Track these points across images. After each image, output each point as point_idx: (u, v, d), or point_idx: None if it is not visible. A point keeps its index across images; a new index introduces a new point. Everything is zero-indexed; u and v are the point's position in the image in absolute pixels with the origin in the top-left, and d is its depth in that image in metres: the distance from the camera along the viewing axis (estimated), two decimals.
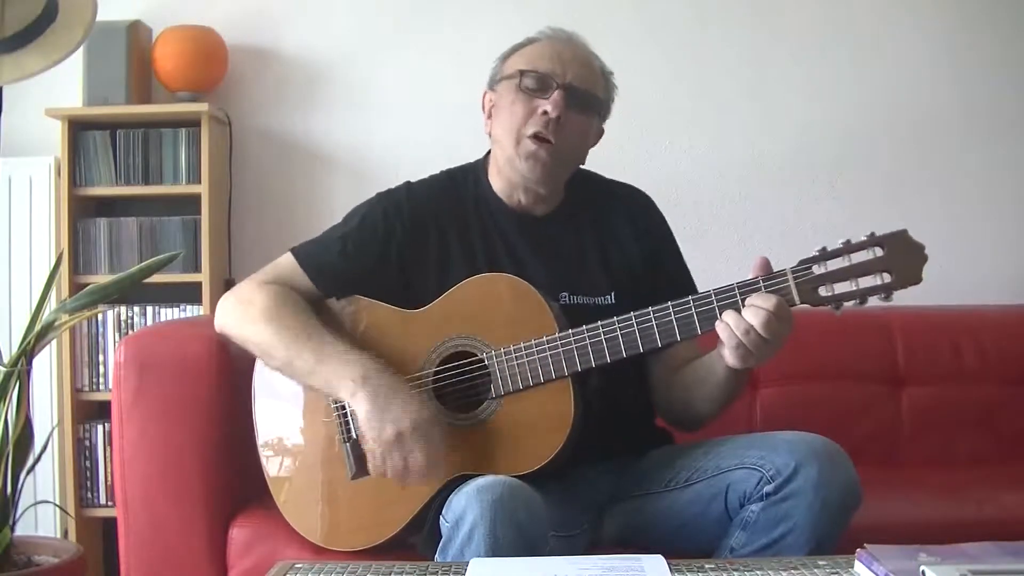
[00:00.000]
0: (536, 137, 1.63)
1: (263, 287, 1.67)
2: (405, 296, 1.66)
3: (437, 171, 1.80)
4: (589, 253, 1.72)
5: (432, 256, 1.69)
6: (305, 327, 1.61)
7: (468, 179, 1.77)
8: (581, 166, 1.76)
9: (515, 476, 1.45)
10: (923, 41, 2.76)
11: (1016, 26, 2.75)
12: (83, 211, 2.67)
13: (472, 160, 1.80)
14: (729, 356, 1.47)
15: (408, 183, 1.77)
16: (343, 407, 1.62)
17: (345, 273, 1.69)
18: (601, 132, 1.76)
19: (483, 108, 1.75)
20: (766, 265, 1.48)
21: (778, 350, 1.47)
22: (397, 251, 1.69)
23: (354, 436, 1.61)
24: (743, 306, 1.46)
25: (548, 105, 1.63)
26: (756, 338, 1.43)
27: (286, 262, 1.72)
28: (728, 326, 1.45)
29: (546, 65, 1.66)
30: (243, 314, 1.66)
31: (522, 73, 1.66)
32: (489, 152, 1.77)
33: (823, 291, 1.46)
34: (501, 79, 1.71)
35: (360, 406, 1.52)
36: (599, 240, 1.73)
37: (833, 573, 1.22)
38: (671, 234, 1.81)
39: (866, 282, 1.44)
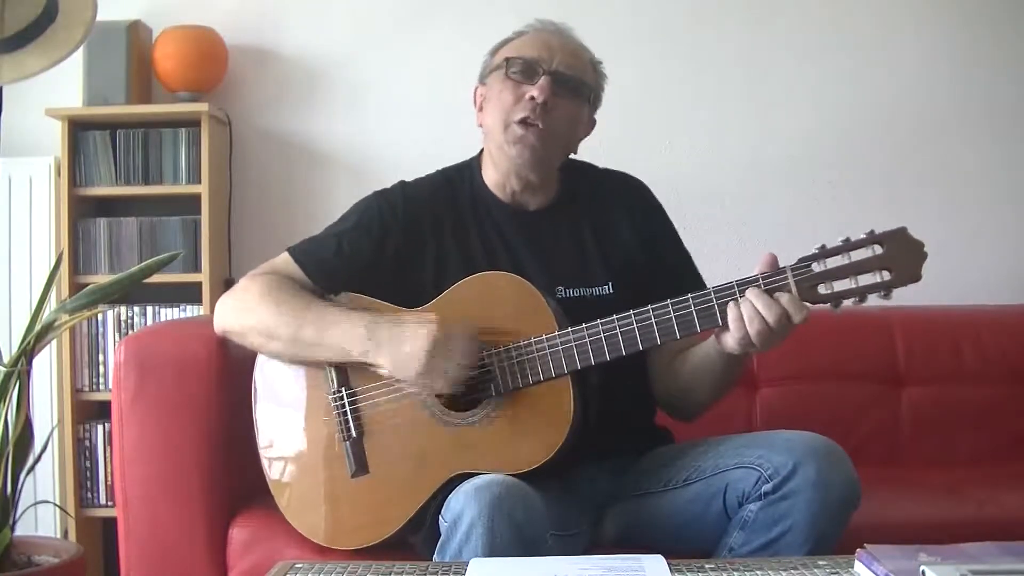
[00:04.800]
0: (524, 122, 1.64)
1: (257, 277, 1.68)
2: (402, 294, 1.66)
3: (434, 171, 1.81)
4: (586, 244, 1.72)
5: (428, 254, 1.69)
6: (303, 301, 1.62)
7: (463, 176, 1.77)
8: (573, 156, 1.77)
9: (515, 475, 1.45)
10: (922, 42, 2.76)
11: (1016, 26, 2.76)
12: (83, 211, 2.67)
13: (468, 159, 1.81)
14: (732, 343, 1.47)
15: (403, 182, 1.77)
16: (343, 405, 1.62)
17: (340, 270, 1.69)
18: (593, 123, 1.77)
19: (474, 102, 1.76)
20: (772, 261, 1.47)
21: (782, 341, 1.47)
22: (393, 250, 1.70)
23: (354, 434, 1.61)
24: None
25: (535, 90, 1.63)
26: (764, 330, 1.43)
27: (282, 261, 1.72)
28: (740, 316, 1.44)
29: (533, 52, 1.67)
30: (241, 305, 1.66)
31: (508, 61, 1.67)
32: (483, 149, 1.77)
33: (822, 289, 1.45)
34: (490, 71, 1.72)
35: (379, 360, 1.54)
36: (595, 230, 1.73)
37: (833, 573, 1.22)
38: (668, 219, 1.81)
39: (865, 280, 1.44)
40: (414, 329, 1.53)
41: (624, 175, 1.82)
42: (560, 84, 1.65)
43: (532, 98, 1.63)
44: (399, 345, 1.53)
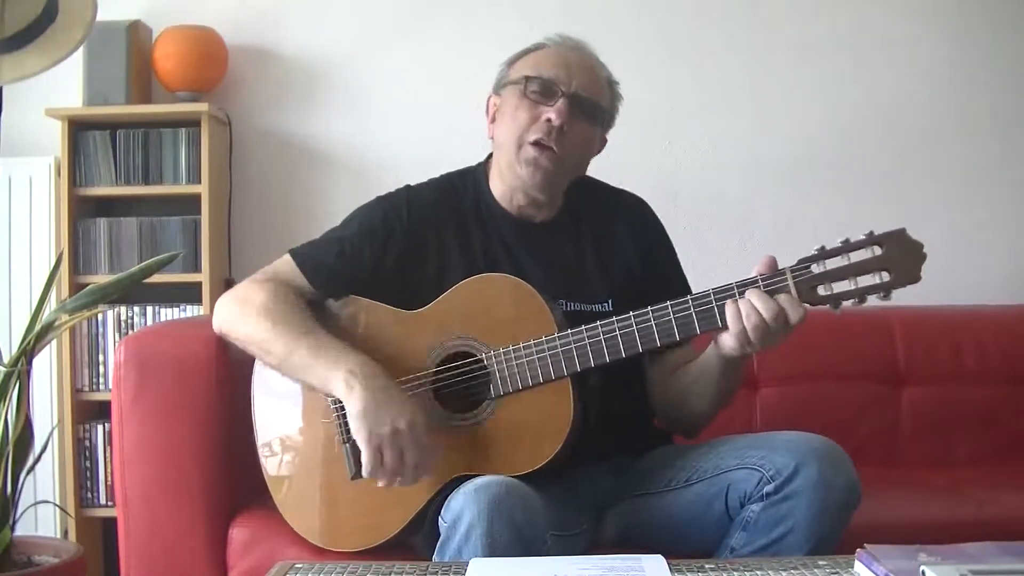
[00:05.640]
0: (538, 144, 1.63)
1: (261, 285, 1.67)
2: (404, 298, 1.65)
3: (437, 171, 1.80)
4: (587, 260, 1.72)
5: (431, 260, 1.69)
6: (302, 323, 1.60)
7: (468, 183, 1.77)
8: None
9: (515, 476, 1.45)
10: (923, 41, 2.76)
11: (1016, 26, 2.76)
12: (83, 211, 2.67)
13: (472, 162, 1.80)
14: (729, 341, 1.47)
15: (408, 186, 1.77)
16: (343, 407, 1.62)
17: (342, 274, 1.69)
18: (604, 141, 1.77)
19: (487, 112, 1.75)
20: (772, 263, 1.48)
21: (780, 343, 1.47)
22: (395, 255, 1.69)
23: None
24: None
25: (552, 113, 1.62)
26: (760, 324, 1.44)
27: (284, 263, 1.71)
28: (738, 311, 1.45)
29: (552, 72, 1.66)
30: (241, 312, 1.66)
31: (527, 79, 1.66)
32: (490, 156, 1.77)
33: (822, 290, 1.46)
34: (506, 84, 1.71)
35: (354, 404, 1.50)
36: (597, 247, 1.73)
37: (833, 573, 1.22)
38: (668, 240, 1.81)
39: (865, 281, 1.44)
40: (402, 401, 1.50)
41: (628, 194, 1.83)
42: (577, 107, 1.64)
43: (548, 120, 1.63)
44: (383, 401, 1.48)
